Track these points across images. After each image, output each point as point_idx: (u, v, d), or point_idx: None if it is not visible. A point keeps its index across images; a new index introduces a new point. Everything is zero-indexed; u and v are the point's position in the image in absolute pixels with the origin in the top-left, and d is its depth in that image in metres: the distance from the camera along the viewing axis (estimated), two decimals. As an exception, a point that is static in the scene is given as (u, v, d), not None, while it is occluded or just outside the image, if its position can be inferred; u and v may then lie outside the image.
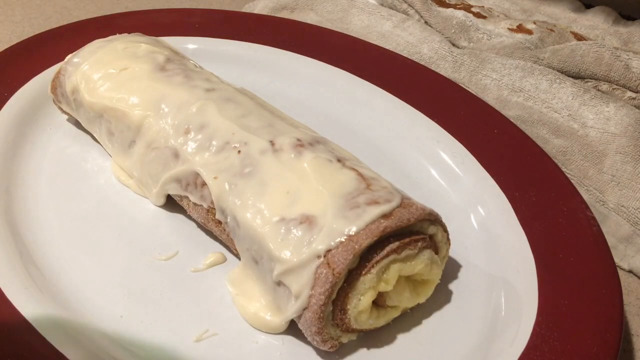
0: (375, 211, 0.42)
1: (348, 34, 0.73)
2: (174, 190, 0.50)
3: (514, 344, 0.43)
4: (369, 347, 0.45)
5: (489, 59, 0.69)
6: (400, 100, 0.63)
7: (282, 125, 0.50)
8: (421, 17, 0.77)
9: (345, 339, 0.44)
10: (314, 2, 0.79)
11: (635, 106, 0.65)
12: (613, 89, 0.67)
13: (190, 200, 0.49)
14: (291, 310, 0.42)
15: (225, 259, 0.50)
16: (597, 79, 0.68)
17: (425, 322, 0.47)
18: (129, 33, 0.61)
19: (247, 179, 0.46)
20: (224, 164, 0.47)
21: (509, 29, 0.74)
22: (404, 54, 0.71)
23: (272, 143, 0.47)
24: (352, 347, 0.45)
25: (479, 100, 0.63)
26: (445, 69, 0.69)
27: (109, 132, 0.54)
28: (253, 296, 0.45)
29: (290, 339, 0.45)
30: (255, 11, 0.79)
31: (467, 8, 0.78)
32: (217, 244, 0.51)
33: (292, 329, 0.44)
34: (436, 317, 0.47)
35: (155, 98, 0.52)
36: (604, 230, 0.50)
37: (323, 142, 0.49)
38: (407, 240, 0.43)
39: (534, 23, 0.75)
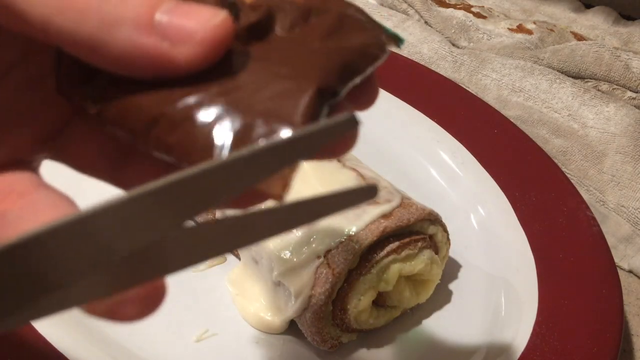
0: (375, 211, 0.42)
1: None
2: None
3: (514, 344, 0.43)
4: (369, 347, 0.45)
5: (489, 59, 0.69)
6: (400, 100, 0.63)
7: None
8: (421, 17, 0.77)
9: (345, 339, 0.44)
10: (314, 2, 0.80)
11: (635, 106, 0.65)
12: (613, 89, 0.67)
13: (190, 200, 0.49)
14: (291, 310, 0.42)
15: (225, 259, 0.50)
16: (597, 79, 0.68)
17: (425, 322, 0.47)
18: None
19: (247, 179, 0.46)
20: (224, 164, 0.47)
21: (509, 29, 0.74)
22: (404, 54, 0.71)
23: (272, 143, 0.47)
24: (352, 347, 0.44)
25: (479, 100, 0.62)
26: (445, 69, 0.69)
27: None
28: (253, 296, 0.45)
29: (290, 339, 0.45)
30: (255, 11, 0.79)
31: (467, 8, 0.78)
32: (217, 244, 0.51)
33: (292, 329, 0.44)
34: (436, 317, 0.47)
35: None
36: (604, 230, 0.50)
37: (323, 142, 0.49)
38: (407, 240, 0.43)
39: (534, 23, 0.75)
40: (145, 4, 0.19)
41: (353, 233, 0.41)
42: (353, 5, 0.22)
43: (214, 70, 0.19)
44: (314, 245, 0.41)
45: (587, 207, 0.51)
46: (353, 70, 0.21)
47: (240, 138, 0.18)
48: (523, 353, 0.42)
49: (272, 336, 0.45)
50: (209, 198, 0.17)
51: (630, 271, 0.55)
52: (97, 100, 0.20)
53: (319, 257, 0.41)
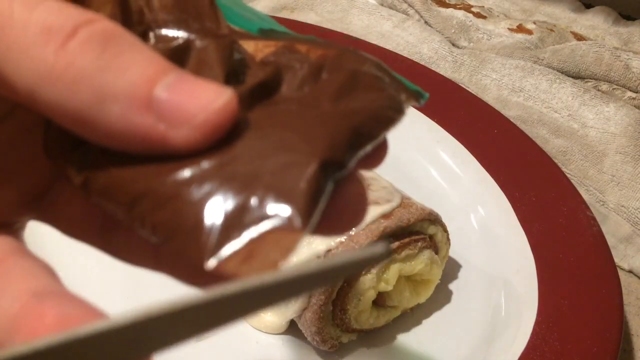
0: (375, 211, 0.42)
1: (348, 33, 0.73)
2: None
3: (514, 344, 0.43)
4: (369, 347, 0.45)
5: (489, 59, 0.69)
6: (400, 100, 0.62)
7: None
8: (421, 17, 0.77)
9: (345, 339, 0.44)
10: (314, 2, 0.80)
11: (635, 106, 0.65)
12: (613, 89, 0.67)
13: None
14: (291, 310, 0.42)
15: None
16: (597, 79, 0.68)
17: (425, 322, 0.47)
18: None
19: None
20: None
21: (509, 29, 0.74)
22: (404, 54, 0.71)
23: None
24: (352, 347, 0.45)
25: (479, 100, 0.62)
26: (445, 69, 0.69)
27: None
28: (253, 296, 0.45)
29: (290, 339, 0.45)
30: (255, 11, 0.79)
31: (467, 8, 0.78)
32: (217, 244, 0.50)
33: (292, 329, 0.44)
34: (436, 317, 0.47)
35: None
36: (604, 230, 0.50)
37: (323, 142, 0.49)
38: (407, 240, 0.43)
39: (534, 23, 0.75)
40: (145, 77, 0.17)
41: (353, 233, 0.41)
42: (370, 60, 0.20)
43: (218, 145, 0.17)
44: (314, 245, 0.41)
45: (587, 207, 0.51)
46: (364, 137, 0.18)
47: (232, 221, 0.16)
48: (523, 353, 0.42)
49: (272, 336, 0.45)
50: (205, 326, 0.15)
51: (630, 271, 0.55)
52: (83, 169, 0.18)
53: (319, 257, 0.41)
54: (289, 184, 0.16)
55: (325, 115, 0.18)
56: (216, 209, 0.16)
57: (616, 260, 0.51)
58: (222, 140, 0.17)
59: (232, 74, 0.19)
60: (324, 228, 0.18)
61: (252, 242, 0.16)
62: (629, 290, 0.53)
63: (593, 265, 0.47)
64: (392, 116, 0.19)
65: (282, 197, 0.16)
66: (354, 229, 0.41)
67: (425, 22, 0.76)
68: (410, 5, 0.78)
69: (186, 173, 0.17)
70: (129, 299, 0.46)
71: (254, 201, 0.16)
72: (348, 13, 0.78)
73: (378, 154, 0.20)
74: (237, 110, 0.17)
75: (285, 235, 0.16)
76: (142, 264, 0.22)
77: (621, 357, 0.48)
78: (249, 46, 0.20)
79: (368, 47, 0.69)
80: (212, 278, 0.17)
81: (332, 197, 0.17)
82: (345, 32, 0.74)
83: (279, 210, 0.16)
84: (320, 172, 0.17)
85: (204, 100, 0.17)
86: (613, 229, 0.57)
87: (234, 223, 0.16)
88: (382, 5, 0.79)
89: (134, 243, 0.22)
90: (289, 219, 0.16)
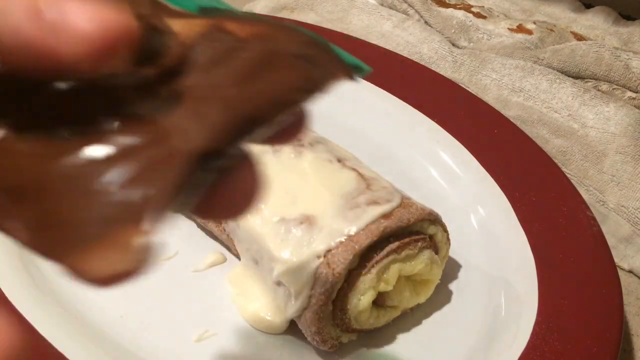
0: (375, 211, 0.42)
1: (348, 33, 0.73)
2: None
3: (514, 344, 0.43)
4: (369, 347, 0.45)
5: (489, 59, 0.69)
6: (400, 100, 0.63)
7: (282, 125, 0.50)
8: (421, 17, 0.77)
9: (345, 339, 0.44)
10: (314, 2, 0.79)
11: (635, 106, 0.65)
12: (613, 89, 0.67)
13: (190, 200, 0.49)
14: (291, 310, 0.42)
15: (225, 259, 0.50)
16: (597, 79, 0.68)
17: (425, 322, 0.47)
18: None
19: (247, 179, 0.46)
20: (224, 164, 0.47)
21: (509, 29, 0.74)
22: (404, 54, 0.71)
23: (272, 143, 0.47)
24: (352, 347, 0.44)
25: (479, 100, 0.62)
26: (445, 69, 0.69)
27: None
28: (253, 296, 0.45)
29: (290, 339, 0.45)
30: (255, 11, 0.79)
31: (467, 8, 0.78)
32: (217, 244, 0.51)
33: (292, 329, 0.44)
34: (436, 317, 0.47)
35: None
36: (604, 230, 0.50)
37: (323, 142, 0.49)
38: (407, 240, 0.43)
39: (534, 23, 0.75)
40: None
41: (353, 233, 0.41)
42: (301, 37, 0.20)
43: (106, 132, 0.18)
44: (314, 245, 0.41)
45: (587, 207, 0.51)
46: (256, 122, 0.19)
47: (95, 215, 0.17)
48: (523, 353, 0.42)
49: (272, 336, 0.45)
50: None
51: (630, 271, 0.55)
52: None
53: (319, 257, 0.41)
54: (159, 177, 0.17)
55: (222, 101, 0.18)
56: (82, 204, 0.17)
57: (616, 260, 0.51)
58: (114, 133, 0.17)
59: (147, 54, 0.19)
60: (213, 212, 0.18)
61: (110, 234, 0.16)
62: (629, 290, 0.53)
63: (593, 265, 0.47)
64: (296, 98, 0.19)
65: (147, 189, 0.17)
66: (354, 228, 0.41)
67: (425, 22, 0.76)
68: (410, 5, 0.78)
69: (65, 169, 0.17)
70: (129, 297, 0.46)
71: (120, 195, 0.17)
72: (348, 13, 0.78)
73: (292, 130, 0.20)
74: (132, 32, 0.17)
75: (143, 224, 0.16)
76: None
77: (621, 357, 0.48)
78: (175, 25, 0.20)
79: (368, 47, 0.69)
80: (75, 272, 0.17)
81: (221, 182, 0.18)
82: (345, 32, 0.74)
83: (141, 202, 0.17)
84: (191, 163, 0.17)
85: (96, 17, 0.17)
86: (613, 229, 0.57)
87: (97, 216, 0.17)
88: (382, 5, 0.79)
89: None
90: (148, 209, 0.17)
